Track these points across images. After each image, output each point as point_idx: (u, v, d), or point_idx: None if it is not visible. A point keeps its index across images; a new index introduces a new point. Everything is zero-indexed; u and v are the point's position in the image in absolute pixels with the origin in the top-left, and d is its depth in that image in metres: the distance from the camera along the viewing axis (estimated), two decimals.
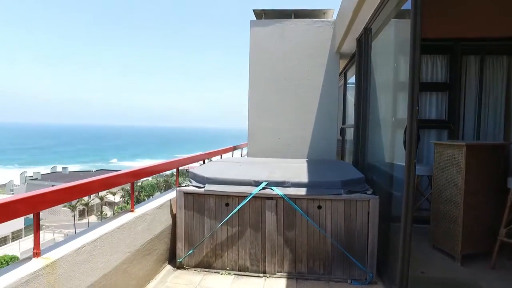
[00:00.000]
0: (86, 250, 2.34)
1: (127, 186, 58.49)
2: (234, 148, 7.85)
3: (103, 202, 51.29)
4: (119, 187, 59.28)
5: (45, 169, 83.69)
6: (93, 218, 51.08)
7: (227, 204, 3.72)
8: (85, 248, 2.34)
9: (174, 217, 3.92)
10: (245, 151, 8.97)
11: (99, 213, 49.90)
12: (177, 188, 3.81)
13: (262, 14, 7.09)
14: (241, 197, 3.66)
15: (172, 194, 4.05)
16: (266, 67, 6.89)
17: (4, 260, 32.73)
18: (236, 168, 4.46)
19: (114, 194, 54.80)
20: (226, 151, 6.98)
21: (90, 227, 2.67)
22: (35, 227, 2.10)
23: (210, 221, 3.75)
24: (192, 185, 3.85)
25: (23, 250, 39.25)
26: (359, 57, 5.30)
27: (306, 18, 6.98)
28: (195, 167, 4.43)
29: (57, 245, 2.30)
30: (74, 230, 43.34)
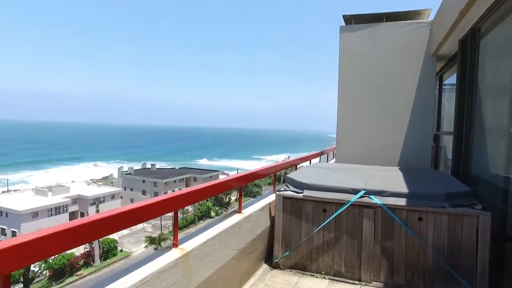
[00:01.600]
0: (208, 245, 2.70)
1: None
2: (321, 153, 7.91)
3: None
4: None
5: (137, 165, 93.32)
6: None
7: (324, 210, 3.84)
8: (208, 243, 2.70)
9: (272, 219, 4.18)
10: (327, 156, 8.95)
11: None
12: (276, 192, 4.06)
13: (351, 19, 7.04)
14: (338, 204, 3.76)
15: (271, 198, 4.32)
16: (356, 71, 6.83)
17: (106, 242, 37.63)
18: (331, 175, 4.56)
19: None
20: (314, 156, 7.08)
21: (210, 224, 3.04)
22: (174, 222, 2.49)
23: (307, 226, 3.91)
24: (290, 190, 4.06)
25: (120, 235, 44.52)
26: (463, 59, 4.97)
27: (399, 20, 6.73)
28: (291, 173, 4.62)
29: (187, 238, 2.69)
30: (160, 221, 47.60)
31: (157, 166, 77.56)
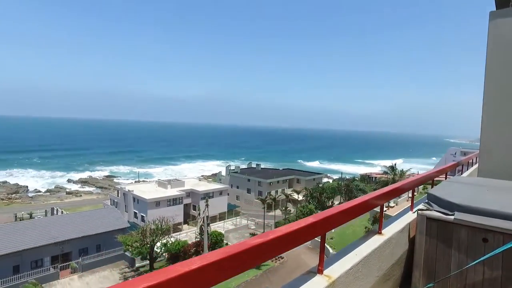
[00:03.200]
0: (352, 272, 2.34)
1: (309, 185, 60.20)
2: (457, 164, 6.72)
3: (288, 198, 55.85)
4: (303, 187, 63.19)
5: (243, 165, 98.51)
6: (278, 212, 56.34)
7: (485, 240, 3.07)
8: (352, 269, 2.34)
9: (412, 242, 3.56)
10: (462, 168, 7.59)
11: (283, 208, 54.59)
12: (418, 212, 3.42)
13: (509, 1, 5.74)
14: (507, 234, 2.94)
15: (409, 217, 3.69)
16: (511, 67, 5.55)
17: (214, 234, 40.62)
18: (487, 194, 3.68)
19: (298, 192, 58.72)
20: (450, 168, 6.03)
21: (350, 246, 2.66)
22: (321, 247, 2.19)
23: (459, 256, 3.19)
24: (435, 210, 3.38)
25: (226, 229, 47.61)
26: None
27: None
28: (433, 189, 3.88)
29: (329, 261, 2.38)
30: (263, 220, 49.11)
31: (262, 166, 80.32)
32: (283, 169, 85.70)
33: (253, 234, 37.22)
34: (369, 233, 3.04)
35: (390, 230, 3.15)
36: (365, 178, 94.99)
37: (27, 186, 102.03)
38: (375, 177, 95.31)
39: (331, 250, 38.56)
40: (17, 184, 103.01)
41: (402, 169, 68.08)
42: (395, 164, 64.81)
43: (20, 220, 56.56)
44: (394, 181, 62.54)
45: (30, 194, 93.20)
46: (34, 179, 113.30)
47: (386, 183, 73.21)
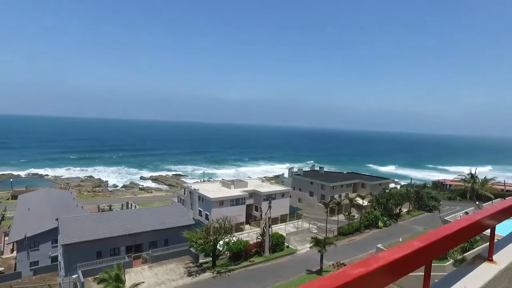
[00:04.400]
0: None
1: (375, 191, 57.18)
2: None
3: (352, 203, 53.60)
4: (368, 192, 60.21)
5: (306, 167, 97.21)
6: (341, 217, 54.36)
7: None
8: None
9: None
10: None
11: (346, 213, 52.51)
12: None
13: None
14: None
15: None
16: None
17: (275, 236, 40.58)
18: None
19: (363, 197, 56.07)
20: None
21: (452, 275, 2.18)
22: (426, 278, 1.82)
23: None
24: None
25: (287, 232, 47.26)
26: None
27: None
28: None
29: None
30: (326, 224, 47.71)
31: (325, 169, 78.43)
32: (347, 172, 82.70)
33: (315, 238, 36.29)
34: (474, 259, 2.45)
35: (505, 257, 2.51)
36: (438, 185, 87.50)
37: (107, 181, 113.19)
38: (450, 185, 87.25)
39: None
40: (100, 179, 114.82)
41: (485, 177, 61.13)
42: (476, 171, 58.36)
43: (102, 211, 62.75)
44: (473, 190, 56.34)
45: (109, 189, 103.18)
46: (114, 175, 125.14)
47: (463, 192, 66.35)
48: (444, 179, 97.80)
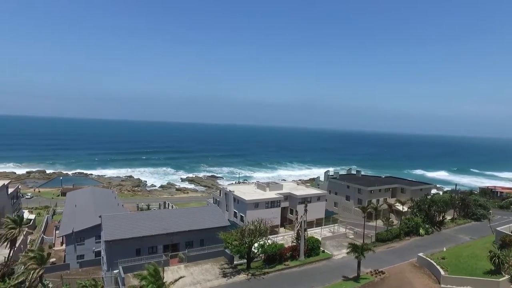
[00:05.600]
0: None
1: (415, 196, 54.65)
2: None
3: (390, 209, 51.41)
4: (408, 197, 57.61)
5: (342, 170, 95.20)
6: (379, 222, 52.43)
7: None
8: None
9: None
10: None
11: (385, 219, 50.50)
12: None
13: None
14: None
15: None
16: None
17: (310, 240, 39.84)
18: None
19: (402, 203, 53.69)
20: None
21: None
22: None
23: None
24: None
25: (323, 236, 46.29)
26: None
27: None
28: None
29: None
30: (363, 229, 46.12)
31: (362, 173, 76.33)
32: (385, 176, 79.80)
33: (352, 244, 35.18)
34: None
35: None
36: (487, 192, 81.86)
37: (146, 181, 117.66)
38: (501, 192, 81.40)
39: (442, 272, 33.94)
40: (139, 179, 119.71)
41: None
42: None
43: (141, 210, 65.18)
44: None
45: (148, 188, 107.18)
46: (152, 176, 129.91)
47: None
48: (494, 186, 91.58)
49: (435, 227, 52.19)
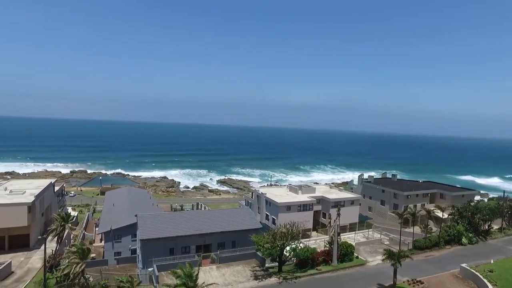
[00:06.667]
0: None
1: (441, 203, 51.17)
2: None
3: (429, 215, 48.94)
4: (448, 204, 54.62)
5: (377, 174, 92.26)
6: (416, 229, 50.14)
7: None
8: None
9: None
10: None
11: (423, 225, 48.19)
12: None
13: None
14: None
15: None
16: None
17: (344, 245, 38.81)
18: None
19: (442, 209, 51.02)
20: None
21: None
22: None
23: None
24: None
25: (357, 241, 44.98)
26: None
27: None
28: None
29: None
30: (399, 236, 44.24)
31: (398, 177, 73.58)
32: (422, 181, 76.30)
33: (387, 250, 33.81)
34: None
35: None
36: None
37: (179, 182, 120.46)
38: None
39: (490, 286, 31.66)
40: (172, 180, 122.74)
41: None
42: None
43: (174, 210, 66.74)
44: None
45: (181, 189, 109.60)
46: (186, 177, 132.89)
47: None
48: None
49: (480, 236, 49.08)
